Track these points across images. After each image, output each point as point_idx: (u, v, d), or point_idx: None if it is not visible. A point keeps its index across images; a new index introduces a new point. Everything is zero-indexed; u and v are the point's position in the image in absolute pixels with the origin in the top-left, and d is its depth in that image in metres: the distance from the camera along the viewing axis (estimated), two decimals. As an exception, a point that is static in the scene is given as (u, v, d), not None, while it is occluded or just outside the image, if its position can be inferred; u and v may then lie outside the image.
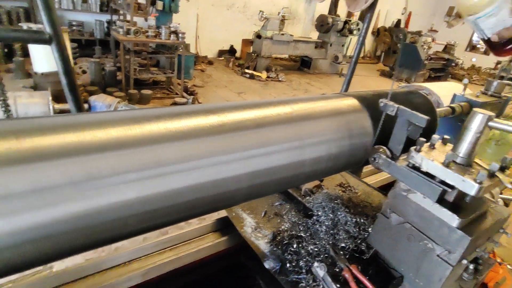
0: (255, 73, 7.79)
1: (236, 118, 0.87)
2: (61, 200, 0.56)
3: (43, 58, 3.79)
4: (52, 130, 0.59)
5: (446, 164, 0.92)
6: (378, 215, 1.15)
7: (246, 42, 9.72)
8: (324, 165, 1.09)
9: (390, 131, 1.11)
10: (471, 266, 1.03)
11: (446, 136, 1.10)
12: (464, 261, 0.97)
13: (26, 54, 5.90)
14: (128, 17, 6.61)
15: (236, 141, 0.84)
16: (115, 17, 6.81)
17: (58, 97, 3.86)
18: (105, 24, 6.88)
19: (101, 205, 0.61)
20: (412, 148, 1.00)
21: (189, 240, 1.45)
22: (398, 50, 12.15)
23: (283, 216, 1.47)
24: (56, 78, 4.02)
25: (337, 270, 1.15)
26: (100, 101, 3.78)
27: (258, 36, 8.03)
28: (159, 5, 6.53)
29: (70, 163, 0.57)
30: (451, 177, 0.90)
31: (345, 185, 1.70)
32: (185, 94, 5.56)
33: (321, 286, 1.11)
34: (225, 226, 1.55)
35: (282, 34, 8.12)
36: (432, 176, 0.96)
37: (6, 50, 5.85)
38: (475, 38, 15.75)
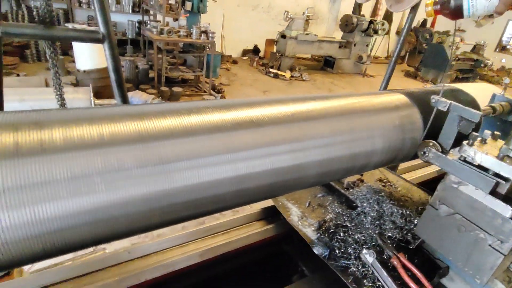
0: (279, 72, 7.86)
1: (303, 108, 0.96)
2: (132, 182, 0.59)
3: (86, 56, 4.03)
4: (120, 118, 0.63)
5: (501, 158, 0.97)
6: (427, 207, 1.20)
7: (270, 42, 9.81)
8: (376, 158, 1.16)
9: (439, 127, 1.17)
10: (521, 257, 1.07)
11: (496, 132, 1.14)
12: (516, 251, 1.01)
13: (64, 53, 6.25)
14: (158, 17, 6.86)
15: (305, 129, 0.92)
16: (145, 18, 7.07)
17: (97, 93, 4.09)
18: (136, 24, 7.15)
19: (176, 187, 0.65)
20: (465, 142, 1.05)
21: (239, 226, 1.55)
22: (423, 50, 11.89)
23: (327, 207, 1.54)
24: (97, 75, 4.26)
25: (385, 257, 1.21)
26: (136, 97, 3.97)
27: (283, 36, 8.09)
28: (188, 5, 6.72)
29: (139, 149, 0.60)
30: (506, 169, 0.95)
31: (385, 180, 1.75)
32: (212, 92, 5.71)
33: (371, 271, 1.18)
34: (270, 215, 1.64)
35: (307, 34, 8.14)
36: (484, 169, 1.01)
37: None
38: (505, 38, 15.16)
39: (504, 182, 0.98)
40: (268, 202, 1.64)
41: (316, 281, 1.39)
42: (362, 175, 1.75)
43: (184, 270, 1.31)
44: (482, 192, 1.02)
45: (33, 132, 0.52)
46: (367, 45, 9.59)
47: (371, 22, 8.97)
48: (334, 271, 1.25)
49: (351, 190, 1.58)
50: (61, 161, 0.52)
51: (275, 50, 8.62)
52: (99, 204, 0.56)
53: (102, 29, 2.24)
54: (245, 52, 9.63)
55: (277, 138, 0.84)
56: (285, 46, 8.01)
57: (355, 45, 9.26)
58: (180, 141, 0.67)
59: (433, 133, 1.19)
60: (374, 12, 12.05)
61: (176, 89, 5.16)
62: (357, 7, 11.14)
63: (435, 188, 1.16)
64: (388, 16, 12.63)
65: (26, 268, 1.24)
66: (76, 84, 4.35)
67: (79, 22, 6.85)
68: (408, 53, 13.41)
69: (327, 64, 9.79)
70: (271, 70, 7.96)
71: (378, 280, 1.15)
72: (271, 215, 1.64)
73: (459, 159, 1.08)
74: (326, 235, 1.37)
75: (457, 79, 11.01)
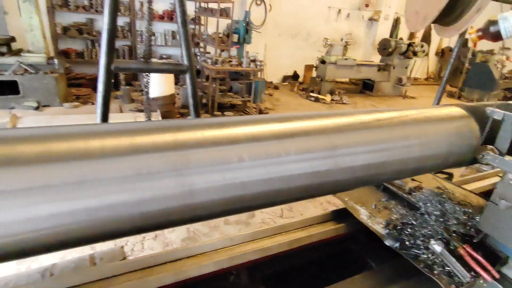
0: (319, 96, 8.17)
1: (376, 117, 1.23)
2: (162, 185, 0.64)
3: (154, 85, 4.64)
4: (166, 130, 0.70)
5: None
6: (488, 203, 1.39)
7: (308, 68, 10.24)
8: (439, 162, 1.38)
9: (494, 134, 1.38)
10: None
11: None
12: None
13: (127, 83, 7.08)
14: (208, 49, 7.58)
15: (383, 134, 1.19)
16: (196, 50, 7.84)
17: (163, 117, 4.65)
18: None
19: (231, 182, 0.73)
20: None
21: (310, 225, 1.81)
22: (467, 70, 11.62)
23: (391, 209, 1.75)
24: (162, 101, 4.85)
25: (451, 248, 1.40)
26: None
27: (322, 61, 8.46)
28: (235, 37, 7.38)
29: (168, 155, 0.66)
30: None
31: (442, 187, 1.93)
32: (259, 115, 6.14)
33: (440, 259, 1.37)
34: (338, 217, 1.88)
35: (346, 59, 8.45)
36: (539, 168, 1.20)
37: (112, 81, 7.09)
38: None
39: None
40: (338, 206, 1.88)
41: (386, 270, 1.60)
42: (420, 182, 1.94)
43: (277, 254, 1.58)
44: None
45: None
46: (406, 67, 9.65)
47: (409, 44, 9.09)
48: (401, 263, 1.45)
49: (413, 194, 1.78)
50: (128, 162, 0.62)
51: (314, 75, 8.99)
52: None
53: (186, 62, 2.74)
54: (285, 78, 10.12)
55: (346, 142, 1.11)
56: (324, 71, 8.36)
57: (394, 67, 9.37)
58: (263, 144, 0.83)
59: (488, 140, 1.39)
60: (412, 35, 12.12)
61: (228, 113, 5.64)
62: (394, 31, 11.33)
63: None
64: (426, 38, 12.62)
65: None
66: (141, 110, 4.97)
67: (163, 57, 7.79)
68: (449, 74, 13.12)
69: (365, 87, 9.94)
70: (311, 94, 8.30)
71: (447, 266, 1.34)
72: (339, 217, 1.87)
73: (517, 159, 1.28)
74: (395, 231, 1.57)
75: (505, 99, 10.56)
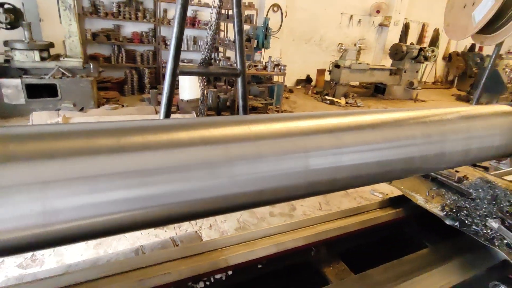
0: (334, 99, 8.43)
1: (431, 113, 1.47)
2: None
3: (188, 88, 4.92)
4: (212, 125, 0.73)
5: None
6: (538, 186, 1.62)
7: (320, 72, 10.52)
8: (493, 152, 1.63)
9: (543, 128, 1.62)
10: None
11: None
12: None
13: (152, 87, 7.35)
14: (228, 54, 7.86)
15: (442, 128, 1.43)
16: (214, 55, 8.12)
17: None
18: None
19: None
20: None
21: (373, 209, 2.05)
22: (474, 74, 11.89)
23: (444, 195, 1.99)
24: (195, 103, 5.11)
25: (507, 225, 1.64)
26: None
27: (337, 65, 8.73)
28: (254, 42, 7.67)
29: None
30: None
31: (485, 178, 2.17)
32: (281, 117, 6.39)
33: (498, 234, 1.60)
34: (394, 203, 2.12)
35: (359, 63, 8.73)
36: None
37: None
38: None
39: None
40: (369, 200, 2.12)
41: (441, 249, 1.83)
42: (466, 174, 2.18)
43: (333, 239, 1.82)
44: None
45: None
46: (417, 72, 9.92)
47: (421, 49, 9.36)
48: (454, 243, 1.69)
49: (462, 182, 2.02)
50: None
51: (329, 79, 9.26)
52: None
53: (239, 66, 2.99)
54: (298, 82, 10.40)
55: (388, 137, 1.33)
56: (339, 75, 8.63)
57: (405, 71, 9.64)
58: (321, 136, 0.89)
59: (537, 133, 1.64)
60: (420, 40, 12.42)
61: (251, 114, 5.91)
62: (404, 36, 11.62)
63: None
64: (434, 43, 12.92)
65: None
66: (176, 111, 5.23)
67: (184, 62, 8.03)
68: (457, 78, 13.40)
69: (377, 91, 10.20)
70: (326, 97, 8.56)
71: (504, 239, 1.58)
72: (395, 203, 2.11)
73: None
74: (452, 213, 1.81)
75: (513, 102, 10.78)
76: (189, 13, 7.74)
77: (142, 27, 7.45)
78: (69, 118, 3.98)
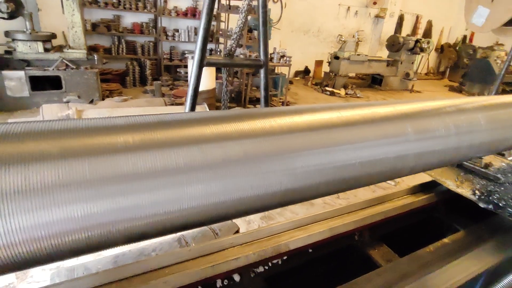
0: (335, 90, 8.53)
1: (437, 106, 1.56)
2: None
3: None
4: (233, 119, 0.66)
5: None
6: None
7: (318, 63, 10.58)
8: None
9: None
10: None
11: None
12: None
13: (155, 79, 7.27)
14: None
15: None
16: (213, 46, 8.08)
17: (208, 109, 4.91)
18: (209, 52, 8.13)
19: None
20: None
21: (404, 196, 2.15)
22: (465, 65, 12.19)
23: (472, 181, 2.11)
24: (205, 95, 5.11)
25: (537, 206, 1.76)
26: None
27: (336, 57, 8.81)
28: (255, 33, 7.64)
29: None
30: None
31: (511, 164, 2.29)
32: (285, 109, 6.46)
33: (530, 214, 1.73)
34: (423, 189, 2.23)
35: (358, 55, 8.83)
36: None
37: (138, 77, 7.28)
38: (550, 50, 15.02)
39: None
40: (384, 188, 2.23)
41: (473, 232, 1.94)
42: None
43: (375, 223, 1.91)
44: None
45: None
46: (412, 63, 10.10)
47: (417, 41, 9.52)
48: (483, 226, 1.81)
49: (489, 168, 2.14)
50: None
51: (327, 70, 9.34)
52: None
53: (262, 57, 3.02)
54: (297, 73, 10.44)
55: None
56: (338, 66, 8.72)
57: (401, 63, 9.80)
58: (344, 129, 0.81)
59: None
60: (414, 31, 12.60)
61: (249, 106, 5.94)
62: (398, 28, 11.77)
63: None
64: (427, 34, 13.13)
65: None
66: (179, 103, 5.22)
67: (185, 53, 7.96)
68: (449, 69, 13.71)
69: (374, 82, 10.36)
70: (326, 88, 8.65)
71: (538, 220, 1.70)
72: (424, 189, 2.22)
73: None
74: (484, 196, 1.92)
75: (503, 92, 11.15)
76: (189, 3, 7.65)
77: (143, 17, 7.32)
78: (82, 111, 3.94)
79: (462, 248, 1.74)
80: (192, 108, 2.90)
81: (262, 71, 3.09)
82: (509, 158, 2.72)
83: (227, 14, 7.65)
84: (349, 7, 10.47)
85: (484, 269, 1.61)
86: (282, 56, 6.00)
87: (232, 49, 2.90)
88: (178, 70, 7.67)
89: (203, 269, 1.37)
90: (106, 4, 6.65)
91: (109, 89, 6.50)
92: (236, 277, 1.47)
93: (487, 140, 1.56)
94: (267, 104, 3.31)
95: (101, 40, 7.08)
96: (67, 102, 4.46)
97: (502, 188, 1.96)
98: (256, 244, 1.55)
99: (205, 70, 5.01)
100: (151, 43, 7.42)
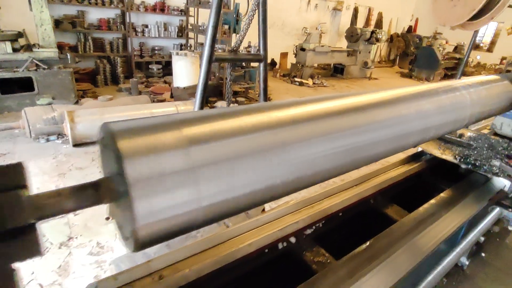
0: (303, 80, 8.99)
1: (437, 86, 2.00)
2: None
3: (184, 76, 4.98)
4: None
5: None
6: (523, 133, 2.27)
7: (284, 55, 10.99)
8: (491, 111, 2.21)
9: (523, 91, 2.24)
10: None
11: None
12: None
13: (126, 77, 7.11)
14: (200, 40, 7.87)
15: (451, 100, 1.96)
16: (183, 41, 8.07)
17: (195, 105, 5.02)
18: (179, 47, 8.11)
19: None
20: (544, 96, 2.13)
21: (399, 165, 2.57)
22: (412, 53, 13.45)
23: (451, 149, 2.59)
24: (192, 90, 5.20)
25: (504, 163, 2.26)
26: (223, 105, 4.94)
27: (302, 48, 9.26)
28: (225, 27, 7.78)
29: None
30: None
31: (479, 133, 2.82)
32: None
33: (500, 169, 2.22)
34: (415, 159, 2.67)
35: (322, 46, 9.37)
36: (556, 107, 2.09)
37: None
38: (478, 38, 17.08)
39: None
40: (412, 150, 2.67)
41: (455, 190, 2.41)
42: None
43: (385, 188, 2.30)
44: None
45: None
46: (369, 52, 10.94)
47: (373, 32, 10.33)
48: (462, 184, 2.29)
49: (463, 138, 2.63)
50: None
51: (294, 62, 9.78)
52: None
53: (262, 52, 3.27)
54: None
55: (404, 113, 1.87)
56: (305, 58, 9.19)
57: (360, 52, 10.58)
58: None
59: (519, 95, 2.26)
60: (367, 23, 13.56)
61: (240, 99, 6.15)
62: (354, 19, 12.60)
63: None
64: (378, 25, 14.20)
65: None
66: (171, 99, 5.27)
67: (155, 49, 7.74)
68: (398, 57, 14.99)
69: (336, 71, 11.04)
70: (296, 79, 9.09)
71: (504, 172, 2.20)
72: (412, 159, 2.67)
73: (541, 104, 2.15)
74: (462, 160, 2.39)
75: (445, 76, 12.55)
76: (158, -3, 7.53)
77: (109, 13, 7.06)
78: (73, 112, 3.86)
79: (449, 204, 2.15)
80: (202, 103, 3.06)
81: (261, 65, 3.33)
82: (473, 129, 3.27)
83: (196, 8, 7.67)
84: (309, 1, 10.97)
85: (467, 218, 2.03)
86: (258, 49, 6.27)
87: (237, 45, 3.10)
88: (150, 67, 7.55)
89: (270, 234, 1.62)
90: (70, -1, 6.33)
91: (80, 89, 6.25)
92: (292, 239, 1.74)
93: (453, 119, 1.97)
94: (266, 95, 3.56)
95: (65, 37, 6.73)
96: (49, 104, 4.29)
97: (475, 152, 2.45)
98: (304, 211, 1.83)
99: (190, 65, 5.13)
100: (120, 40, 7.20)
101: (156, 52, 7.82)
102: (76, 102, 4.68)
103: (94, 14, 6.92)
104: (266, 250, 1.63)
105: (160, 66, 7.60)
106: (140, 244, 0.66)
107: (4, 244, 0.58)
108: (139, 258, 1.84)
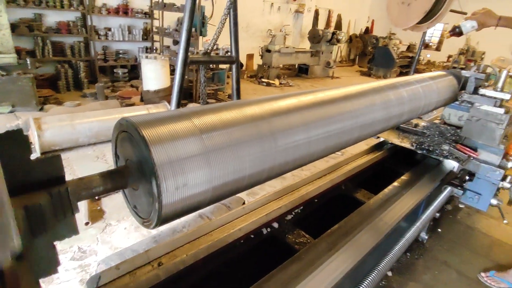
0: (270, 81, 9.25)
1: (392, 82, 2.29)
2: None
3: (153, 79, 4.97)
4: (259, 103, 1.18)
5: (499, 90, 2.42)
6: (465, 120, 2.62)
7: (250, 56, 11.19)
8: (438, 104, 2.54)
9: (464, 85, 2.60)
10: (508, 133, 2.53)
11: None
12: (507, 128, 2.46)
13: (90, 82, 6.90)
14: (165, 43, 7.83)
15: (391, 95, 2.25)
16: (148, 44, 7.98)
17: (167, 108, 5.02)
18: (145, 50, 7.99)
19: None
20: (481, 89, 2.50)
21: (365, 154, 2.84)
22: (370, 53, 14.30)
23: (408, 137, 2.90)
24: (163, 93, 5.21)
25: (452, 147, 2.60)
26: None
27: (268, 50, 9.52)
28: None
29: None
30: (499, 95, 2.40)
31: (431, 122, 3.18)
32: (233, 101, 6.88)
33: (449, 153, 2.55)
34: (375, 149, 2.95)
35: (287, 47, 9.69)
36: (490, 97, 2.45)
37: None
38: (427, 38, 18.51)
39: (500, 101, 2.42)
40: (374, 141, 2.96)
41: (411, 174, 2.71)
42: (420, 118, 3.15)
43: (352, 176, 2.55)
44: (491, 106, 2.46)
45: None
46: (331, 52, 11.48)
47: (333, 33, 10.86)
48: (417, 168, 2.60)
49: (417, 127, 2.96)
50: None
51: (261, 63, 10.01)
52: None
53: (234, 54, 3.42)
54: (230, 67, 10.85)
55: (368, 104, 2.16)
56: (271, 59, 9.45)
57: (322, 53, 11.07)
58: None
59: (463, 88, 2.62)
60: (328, 24, 14.18)
61: (211, 100, 6.23)
62: (315, 21, 13.14)
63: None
64: (338, 27, 14.91)
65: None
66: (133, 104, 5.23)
67: (120, 52, 7.54)
68: (357, 57, 15.82)
69: (300, 71, 11.45)
70: (263, 80, 9.32)
71: (453, 155, 2.53)
72: (375, 149, 2.95)
73: (480, 94, 2.51)
74: (417, 146, 2.71)
75: (400, 74, 13.50)
76: (120, 0, 7.38)
77: (69, 16, 6.80)
78: (39, 119, 3.74)
79: (408, 185, 2.43)
80: (178, 105, 3.14)
81: (234, 66, 3.48)
82: (426, 119, 3.63)
83: (161, 12, 7.62)
84: (272, 3, 11.28)
85: (423, 196, 2.32)
86: (226, 52, 6.37)
87: (210, 47, 3.21)
88: (115, 71, 7.37)
89: (254, 220, 1.77)
90: (26, 2, 6.02)
91: (41, 95, 5.97)
92: (275, 225, 1.90)
93: (408, 109, 2.26)
94: (239, 95, 3.71)
95: (22, 42, 6.38)
96: (11, 112, 4.09)
97: (429, 139, 2.78)
98: (285, 198, 2.00)
99: (160, 68, 5.13)
100: (81, 44, 6.96)
101: (120, 56, 7.65)
102: (41, 109, 4.50)
103: (53, 17, 6.63)
104: (252, 236, 1.78)
105: (126, 70, 7.45)
106: (162, 220, 0.78)
107: (51, 225, 0.67)
108: (130, 254, 1.89)
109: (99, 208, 2.98)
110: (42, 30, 6.44)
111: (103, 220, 2.83)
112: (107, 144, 4.26)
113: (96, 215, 2.86)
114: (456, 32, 2.66)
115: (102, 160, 3.90)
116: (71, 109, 4.30)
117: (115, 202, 3.03)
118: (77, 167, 3.66)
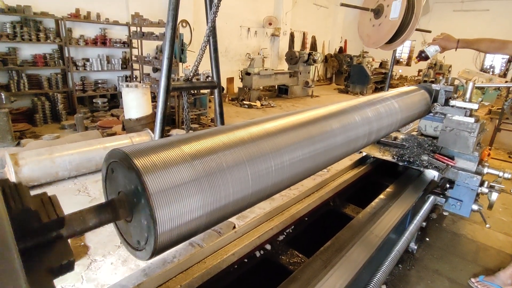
0: (252, 103, 9.40)
1: (372, 98, 2.42)
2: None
3: (135, 107, 4.94)
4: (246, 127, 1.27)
5: (467, 101, 2.57)
6: (441, 131, 2.75)
7: (230, 80, 11.39)
8: (414, 116, 2.67)
9: (435, 98, 2.76)
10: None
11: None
12: (479, 136, 2.60)
13: (69, 113, 6.79)
14: (145, 70, 7.89)
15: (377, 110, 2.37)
16: (128, 73, 8.00)
17: (150, 135, 4.97)
18: (124, 79, 7.99)
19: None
20: (451, 100, 2.65)
21: (350, 169, 2.90)
22: (345, 71, 14.90)
23: (389, 150, 3.00)
24: (145, 121, 5.18)
25: (431, 156, 2.71)
26: (179, 133, 4.99)
27: (247, 73, 9.74)
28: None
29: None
30: (468, 106, 2.55)
31: (409, 134, 3.30)
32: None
33: (428, 162, 2.65)
34: (359, 164, 3.03)
35: (266, 69, 9.96)
36: (461, 108, 2.60)
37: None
38: (397, 54, 19.52)
39: (470, 110, 2.57)
40: (357, 156, 3.04)
41: (395, 186, 2.79)
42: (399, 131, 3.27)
43: (342, 190, 2.59)
44: (462, 116, 2.61)
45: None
46: (308, 72, 11.87)
47: (309, 54, 11.29)
48: (400, 180, 2.69)
49: (397, 140, 3.07)
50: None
51: (240, 86, 10.19)
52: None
53: (215, 79, 3.47)
54: (211, 92, 10.98)
55: (351, 122, 2.27)
56: (251, 81, 9.65)
57: (300, 73, 11.43)
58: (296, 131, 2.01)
59: (435, 100, 2.77)
60: (303, 45, 14.75)
61: (194, 125, 6.23)
62: (291, 43, 13.64)
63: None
64: (313, 47, 15.53)
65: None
66: (122, 131, 5.16)
67: (98, 82, 7.47)
68: (334, 75, 16.42)
69: (280, 92, 11.73)
70: (244, 102, 9.46)
71: (432, 164, 2.63)
72: (359, 163, 3.02)
73: (451, 106, 2.66)
74: (398, 158, 2.80)
75: (376, 89, 14.06)
76: (98, 31, 7.42)
77: (45, 48, 6.74)
78: (16, 154, 3.61)
79: (393, 197, 2.49)
80: (162, 132, 3.12)
81: (216, 91, 3.53)
82: (404, 132, 3.76)
83: (139, 41, 7.72)
84: (249, 28, 11.67)
85: (409, 206, 2.37)
86: (207, 77, 6.48)
87: (191, 74, 3.26)
88: (94, 101, 7.28)
89: (247, 244, 1.75)
90: None
91: (17, 130, 5.80)
92: (268, 247, 1.89)
93: (386, 124, 2.35)
94: (222, 119, 3.74)
95: (-4, 76, 6.24)
96: (-13, 148, 3.94)
97: (408, 150, 2.89)
98: (276, 219, 2.00)
99: (142, 96, 5.12)
100: (58, 75, 6.87)
101: (99, 85, 7.60)
102: (18, 144, 4.35)
103: (28, 50, 6.57)
104: (246, 260, 1.75)
105: (105, 100, 7.39)
106: (158, 249, 0.77)
107: (42, 257, 0.66)
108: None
109: (82, 244, 2.85)
110: (17, 63, 6.34)
111: (87, 256, 2.71)
112: (89, 176, 4.14)
113: (79, 251, 2.74)
114: (423, 56, 2.83)
115: (84, 193, 3.77)
116: (49, 142, 4.19)
117: (100, 237, 2.91)
118: (57, 201, 3.52)
